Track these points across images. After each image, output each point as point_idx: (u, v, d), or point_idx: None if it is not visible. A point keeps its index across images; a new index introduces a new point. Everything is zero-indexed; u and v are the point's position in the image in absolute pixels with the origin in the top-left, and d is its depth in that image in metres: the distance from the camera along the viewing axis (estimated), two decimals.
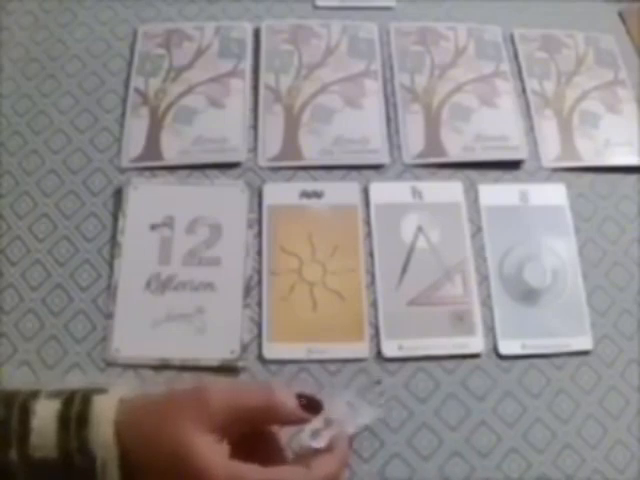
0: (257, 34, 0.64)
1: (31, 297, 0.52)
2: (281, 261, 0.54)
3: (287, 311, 0.52)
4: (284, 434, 0.44)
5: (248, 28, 0.65)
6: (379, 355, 0.51)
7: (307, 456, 0.40)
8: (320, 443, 0.41)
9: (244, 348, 0.51)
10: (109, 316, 0.52)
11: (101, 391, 0.41)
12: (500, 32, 0.67)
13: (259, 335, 0.51)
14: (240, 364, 0.50)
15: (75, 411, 0.39)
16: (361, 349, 0.51)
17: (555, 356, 0.52)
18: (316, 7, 0.67)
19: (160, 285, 0.52)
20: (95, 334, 0.51)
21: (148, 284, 0.52)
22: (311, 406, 0.41)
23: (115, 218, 0.55)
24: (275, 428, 0.44)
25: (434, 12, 0.67)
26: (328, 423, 0.42)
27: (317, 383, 0.50)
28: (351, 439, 0.44)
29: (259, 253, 0.54)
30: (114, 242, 0.54)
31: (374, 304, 0.53)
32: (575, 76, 0.65)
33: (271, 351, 0.51)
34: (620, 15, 0.70)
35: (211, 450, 0.38)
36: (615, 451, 0.49)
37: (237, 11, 0.66)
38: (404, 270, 0.54)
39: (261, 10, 0.66)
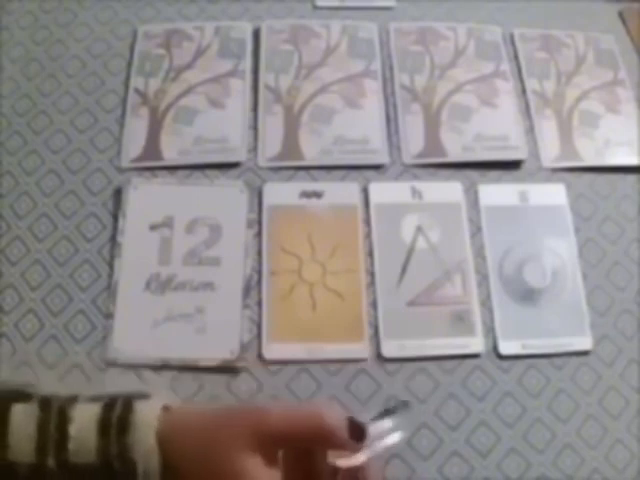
0: (257, 34, 0.64)
1: (31, 297, 0.52)
2: (281, 261, 0.54)
3: (287, 311, 0.52)
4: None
5: (248, 28, 0.65)
6: (379, 355, 0.51)
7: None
8: (345, 462, 0.38)
9: (244, 348, 0.51)
10: (109, 316, 0.52)
11: (143, 397, 0.40)
12: (500, 32, 0.67)
13: (259, 335, 0.51)
14: (240, 364, 0.50)
15: (116, 416, 0.38)
16: (361, 349, 0.51)
17: (555, 356, 0.52)
18: (316, 7, 0.67)
19: (160, 285, 0.52)
20: (95, 334, 0.51)
21: (148, 284, 0.52)
22: (357, 433, 0.38)
23: (115, 218, 0.55)
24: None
25: (434, 12, 0.67)
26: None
27: (317, 383, 0.50)
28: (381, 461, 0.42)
29: (259, 253, 0.54)
30: (114, 242, 0.54)
31: (374, 304, 0.53)
32: (575, 76, 0.65)
33: (271, 351, 0.51)
34: (620, 15, 0.70)
35: (261, 472, 0.36)
36: (615, 451, 0.49)
37: (237, 11, 0.66)
38: (404, 270, 0.54)
39: (261, 10, 0.66)
